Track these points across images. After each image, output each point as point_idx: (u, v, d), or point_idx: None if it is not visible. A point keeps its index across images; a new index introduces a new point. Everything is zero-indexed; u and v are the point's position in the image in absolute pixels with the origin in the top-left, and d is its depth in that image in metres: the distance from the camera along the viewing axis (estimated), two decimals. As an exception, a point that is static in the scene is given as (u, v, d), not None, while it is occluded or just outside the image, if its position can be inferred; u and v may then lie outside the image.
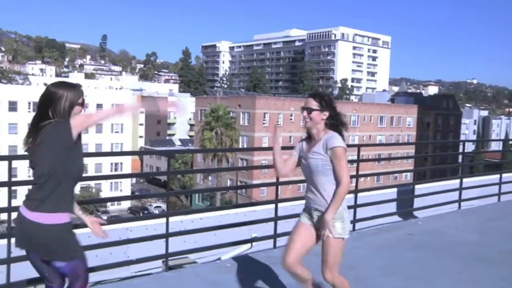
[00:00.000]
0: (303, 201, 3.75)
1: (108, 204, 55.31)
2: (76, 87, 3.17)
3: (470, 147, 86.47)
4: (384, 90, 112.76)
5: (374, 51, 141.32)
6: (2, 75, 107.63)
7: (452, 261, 5.70)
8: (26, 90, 59.74)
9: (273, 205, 6.00)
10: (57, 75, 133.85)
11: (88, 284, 3.10)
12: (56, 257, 2.96)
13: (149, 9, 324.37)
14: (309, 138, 3.67)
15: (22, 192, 3.27)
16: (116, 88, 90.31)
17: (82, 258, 3.06)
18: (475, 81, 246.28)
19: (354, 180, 7.10)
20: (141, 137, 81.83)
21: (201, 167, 56.89)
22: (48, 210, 2.89)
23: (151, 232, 5.42)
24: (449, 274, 5.22)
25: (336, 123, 3.57)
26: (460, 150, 9.33)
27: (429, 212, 8.14)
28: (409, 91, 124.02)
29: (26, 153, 3.02)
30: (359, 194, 6.90)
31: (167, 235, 5.02)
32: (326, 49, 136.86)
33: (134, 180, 69.53)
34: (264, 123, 55.84)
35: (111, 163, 60.80)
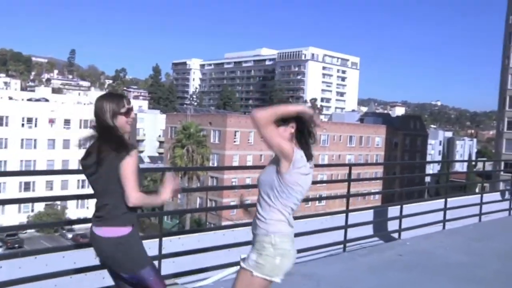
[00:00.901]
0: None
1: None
2: (116, 97, 3.14)
3: (435, 168, 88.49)
4: (353, 110, 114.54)
5: (343, 72, 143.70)
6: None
7: (446, 282, 5.64)
8: (-11, 104, 58.06)
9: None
10: (22, 89, 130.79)
11: None
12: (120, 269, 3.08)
13: (119, 25, 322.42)
14: None
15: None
16: (85, 104, 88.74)
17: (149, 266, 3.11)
18: (439, 103, 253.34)
19: (344, 200, 7.02)
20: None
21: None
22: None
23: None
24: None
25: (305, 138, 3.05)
26: (430, 171, 9.39)
27: (414, 232, 8.10)
28: (377, 111, 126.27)
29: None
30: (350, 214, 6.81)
31: (160, 257, 4.76)
32: (296, 69, 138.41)
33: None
34: (235, 141, 55.75)
35: (78, 180, 59.35)
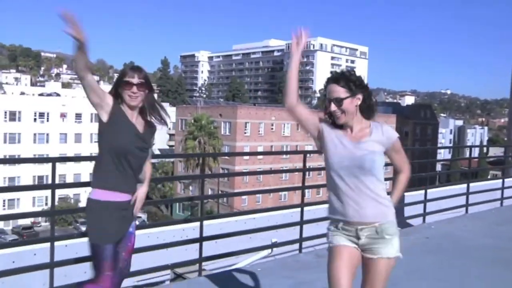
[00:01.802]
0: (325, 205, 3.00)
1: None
2: (129, 68, 3.22)
3: (446, 155, 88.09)
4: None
5: (352, 61, 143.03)
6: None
7: (473, 263, 5.72)
8: (1, 99, 58.47)
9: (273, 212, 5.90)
10: (32, 84, 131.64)
11: None
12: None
13: (127, 18, 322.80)
14: (334, 124, 2.88)
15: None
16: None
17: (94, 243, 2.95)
18: (448, 92, 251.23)
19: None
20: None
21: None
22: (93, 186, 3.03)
23: (155, 241, 5.20)
24: (480, 278, 5.23)
25: (372, 108, 2.88)
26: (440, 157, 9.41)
27: (438, 216, 8.16)
28: (387, 101, 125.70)
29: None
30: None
31: (201, 239, 4.87)
32: (305, 59, 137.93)
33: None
34: (245, 133, 55.83)
35: (90, 174, 59.70)
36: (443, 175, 73.48)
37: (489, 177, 38.71)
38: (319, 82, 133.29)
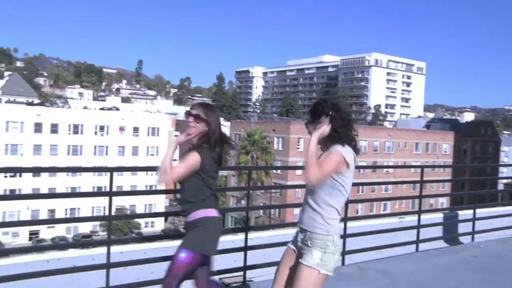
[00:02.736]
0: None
1: (142, 226, 55.87)
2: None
3: (510, 174, 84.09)
4: (419, 116, 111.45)
5: (408, 77, 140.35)
6: (45, 99, 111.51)
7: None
8: (66, 113, 61.53)
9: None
10: (94, 99, 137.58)
11: None
12: None
13: (184, 35, 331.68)
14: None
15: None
16: (152, 112, 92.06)
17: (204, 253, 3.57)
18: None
19: (417, 200, 7.09)
20: (175, 160, 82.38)
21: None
22: None
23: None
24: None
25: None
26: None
27: (488, 236, 7.98)
28: (445, 117, 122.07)
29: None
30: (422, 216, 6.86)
31: (245, 248, 5.07)
32: (360, 75, 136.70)
33: (167, 203, 70.11)
34: (298, 148, 55.83)
35: (146, 186, 61.53)
36: (505, 194, 70.19)
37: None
38: (373, 98, 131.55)
